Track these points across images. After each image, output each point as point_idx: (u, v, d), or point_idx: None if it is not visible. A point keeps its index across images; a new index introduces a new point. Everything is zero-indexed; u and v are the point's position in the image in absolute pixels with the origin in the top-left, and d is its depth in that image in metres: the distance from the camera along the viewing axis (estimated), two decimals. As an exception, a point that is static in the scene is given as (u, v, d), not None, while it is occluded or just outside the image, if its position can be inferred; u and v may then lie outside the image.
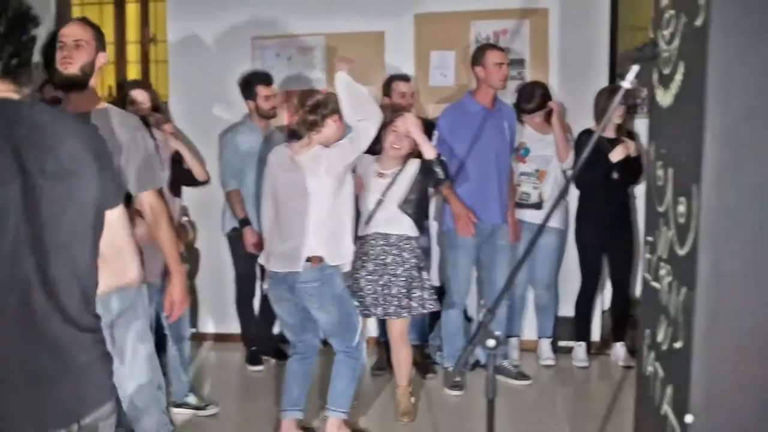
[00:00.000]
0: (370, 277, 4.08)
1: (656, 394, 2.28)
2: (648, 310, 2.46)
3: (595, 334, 5.27)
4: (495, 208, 4.60)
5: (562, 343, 5.25)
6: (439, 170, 4.01)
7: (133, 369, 3.17)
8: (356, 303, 3.96)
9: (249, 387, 4.96)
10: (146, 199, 3.02)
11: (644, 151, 4.10)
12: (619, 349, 5.06)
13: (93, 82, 2.99)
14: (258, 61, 5.49)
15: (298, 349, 3.90)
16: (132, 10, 6.84)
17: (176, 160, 4.35)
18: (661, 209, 2.28)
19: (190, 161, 4.46)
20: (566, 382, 4.90)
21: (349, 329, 3.81)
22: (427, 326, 5.02)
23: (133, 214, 2.99)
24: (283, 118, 5.33)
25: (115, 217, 1.74)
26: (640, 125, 5.11)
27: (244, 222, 4.86)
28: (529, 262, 4.98)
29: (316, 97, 3.81)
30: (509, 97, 4.98)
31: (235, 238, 4.99)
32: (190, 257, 5.25)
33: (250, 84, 4.95)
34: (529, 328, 5.29)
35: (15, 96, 1.61)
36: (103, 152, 1.70)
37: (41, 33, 1.68)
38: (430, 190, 4.44)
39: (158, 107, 4.36)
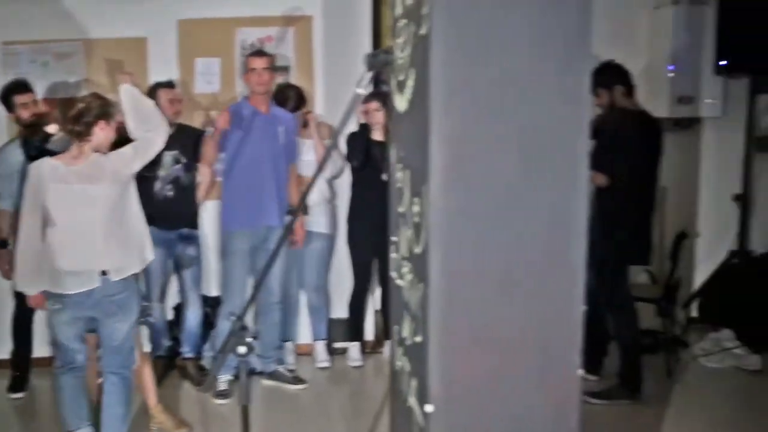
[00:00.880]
0: None
1: (404, 388, 2.38)
2: (395, 307, 2.56)
3: (369, 334, 5.41)
4: (272, 211, 4.62)
5: (337, 345, 5.34)
6: None
7: None
8: None
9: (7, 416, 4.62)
10: None
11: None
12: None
13: None
14: (10, 69, 5.12)
15: (77, 364, 3.68)
16: None
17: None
18: (401, 210, 2.37)
19: None
20: (341, 383, 4.99)
21: (132, 348, 3.69)
22: (200, 338, 4.93)
23: None
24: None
25: None
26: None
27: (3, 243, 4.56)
28: (298, 266, 5.04)
29: (77, 107, 3.58)
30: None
31: None
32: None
33: (5, 96, 4.64)
34: (304, 332, 5.33)
35: None
36: None
37: None
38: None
39: None
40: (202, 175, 4.77)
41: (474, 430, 2.05)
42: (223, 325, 4.61)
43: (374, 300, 5.43)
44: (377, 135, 5.00)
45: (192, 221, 4.89)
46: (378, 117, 4.96)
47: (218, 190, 4.84)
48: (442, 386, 2.02)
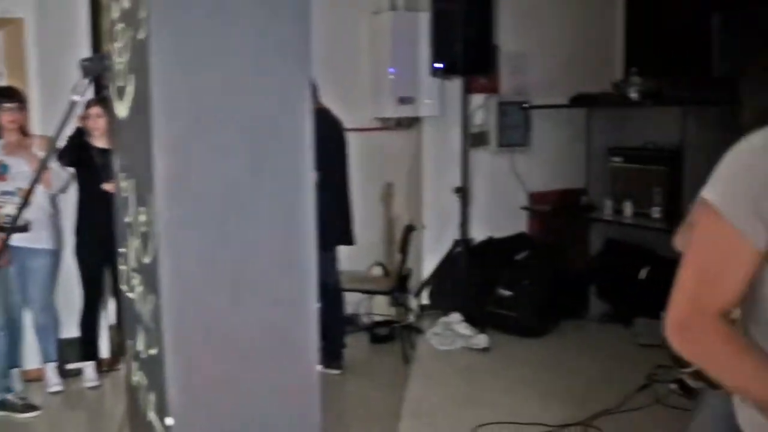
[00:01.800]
0: None
1: (143, 403, 2.30)
2: (128, 321, 2.47)
3: (104, 351, 5.15)
4: None
5: (70, 366, 5.02)
6: None
7: None
8: None
9: None
10: None
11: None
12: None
13: None
14: None
15: None
16: None
17: None
18: (128, 220, 2.29)
19: None
20: (77, 406, 4.73)
21: None
22: None
23: None
24: None
25: None
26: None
27: None
28: (22, 286, 4.69)
29: None
30: None
31: None
32: None
33: None
34: (32, 356, 4.96)
35: None
36: None
37: None
38: None
39: None
40: None
41: (216, 439, 2.03)
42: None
43: (107, 315, 5.18)
44: (100, 142, 4.75)
45: None
46: (100, 123, 4.72)
47: None
48: (180, 398, 1.98)
